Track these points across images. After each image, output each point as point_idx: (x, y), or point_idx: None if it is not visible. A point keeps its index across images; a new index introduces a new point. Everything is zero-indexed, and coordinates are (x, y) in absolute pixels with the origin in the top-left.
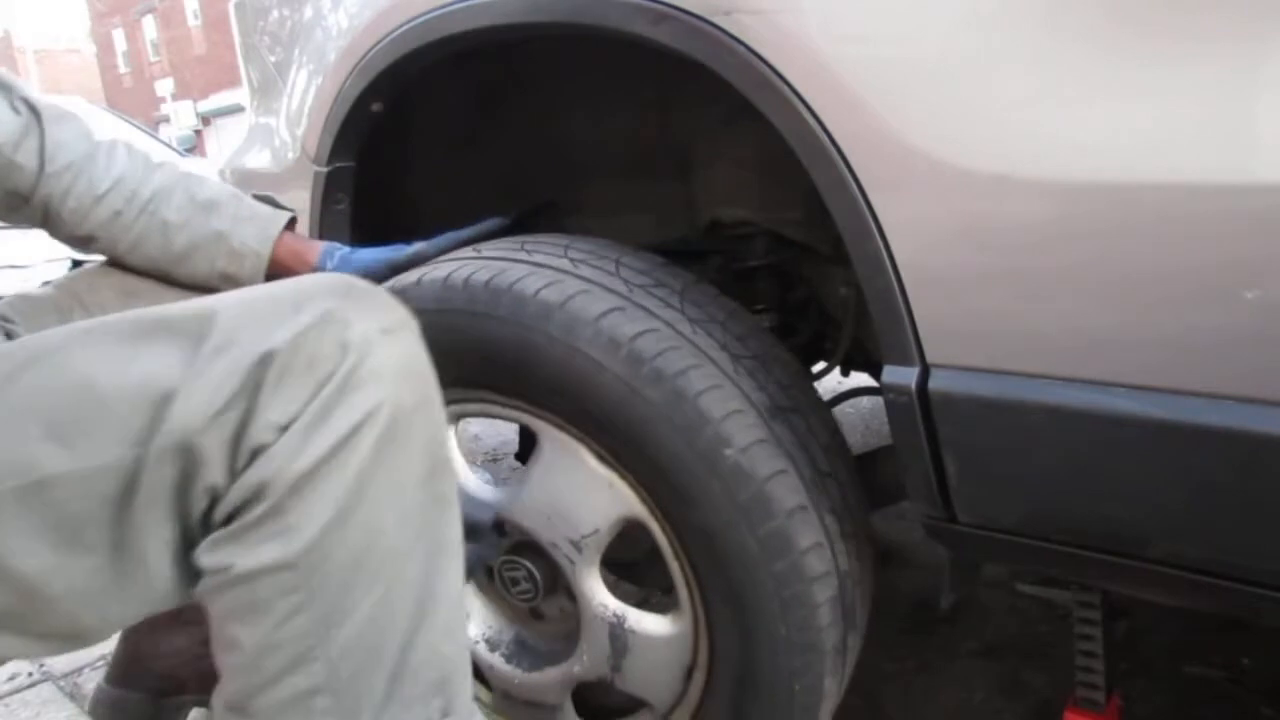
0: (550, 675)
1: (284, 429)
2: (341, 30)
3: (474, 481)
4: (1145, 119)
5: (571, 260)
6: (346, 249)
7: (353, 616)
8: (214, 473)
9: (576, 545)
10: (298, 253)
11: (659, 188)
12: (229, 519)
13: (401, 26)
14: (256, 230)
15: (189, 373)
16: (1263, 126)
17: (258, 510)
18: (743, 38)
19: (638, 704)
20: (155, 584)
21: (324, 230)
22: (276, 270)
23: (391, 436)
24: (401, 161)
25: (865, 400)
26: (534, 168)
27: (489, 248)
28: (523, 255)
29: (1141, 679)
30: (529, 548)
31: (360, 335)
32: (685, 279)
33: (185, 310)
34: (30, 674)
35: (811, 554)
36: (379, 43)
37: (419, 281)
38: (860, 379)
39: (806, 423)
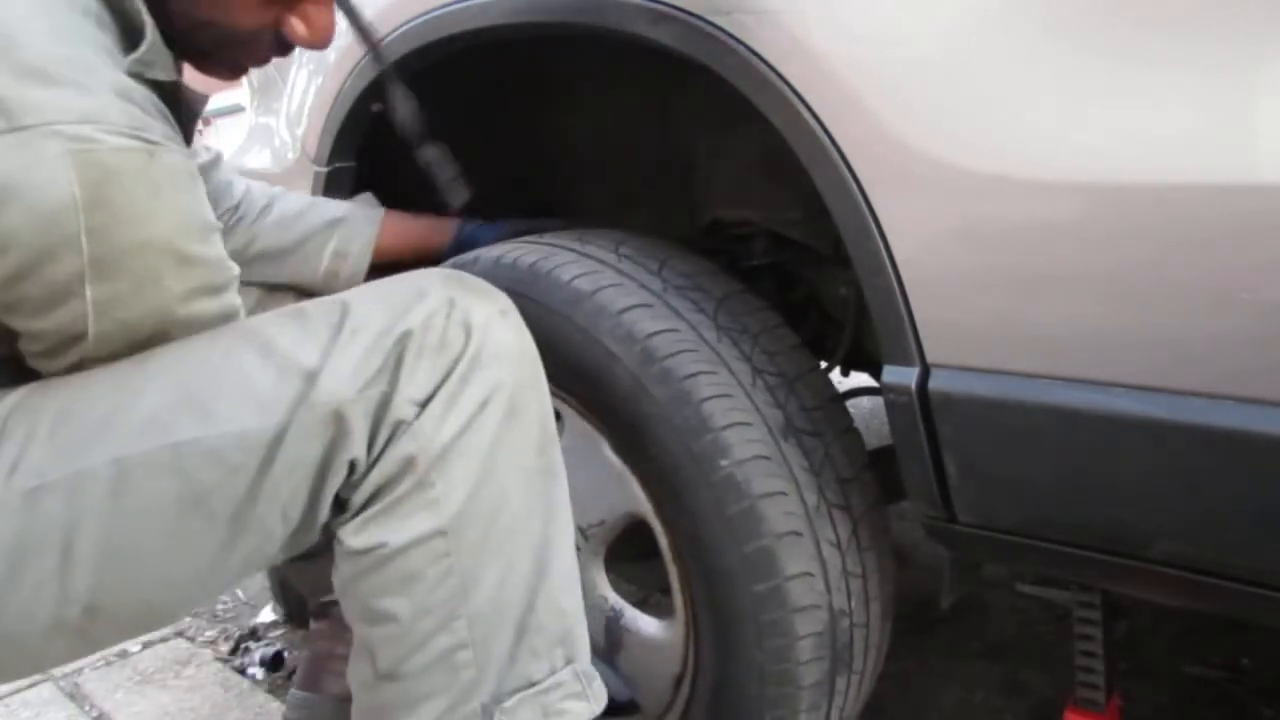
0: None
1: (423, 405)
2: (341, 30)
3: None
4: (1145, 119)
5: (619, 255)
6: (478, 224)
7: (488, 574)
8: (357, 445)
9: (583, 533)
10: (417, 232)
11: (659, 188)
12: (371, 499)
13: (402, 26)
14: (363, 214)
15: (332, 351)
16: (1263, 127)
17: (405, 485)
18: (743, 38)
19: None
20: (261, 552)
21: None
22: (387, 257)
23: (513, 411)
24: (401, 161)
25: (865, 400)
26: (535, 167)
27: (552, 234)
28: (575, 244)
29: (1141, 679)
30: None
31: (482, 318)
32: (729, 288)
33: (319, 302)
34: None
35: (797, 582)
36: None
37: (477, 260)
38: (860, 379)
39: (825, 450)
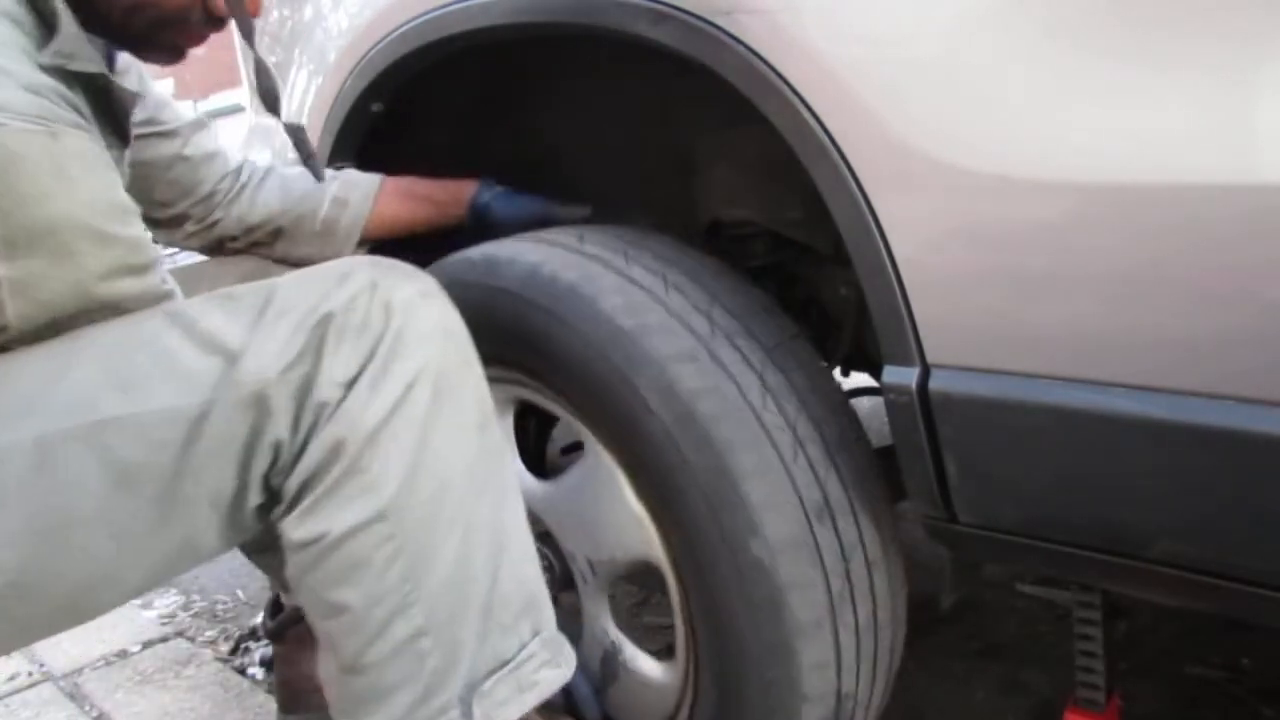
0: None
1: (348, 385)
2: (341, 30)
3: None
4: (1146, 119)
5: (665, 283)
6: (503, 189)
7: (440, 559)
8: (281, 426)
9: (592, 566)
10: (424, 191)
11: (659, 188)
12: (303, 488)
13: (402, 27)
14: (363, 177)
15: (255, 331)
16: (1263, 127)
17: (336, 471)
18: (743, 38)
19: None
20: (196, 540)
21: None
22: (396, 221)
23: (442, 391)
24: (401, 161)
25: (865, 400)
26: (534, 167)
27: (593, 241)
28: (620, 263)
29: (1141, 679)
30: (552, 538)
31: (403, 299)
32: (781, 334)
33: (248, 285)
34: (30, 674)
35: (812, 672)
36: (379, 43)
37: (512, 263)
38: (860, 379)
39: (858, 529)
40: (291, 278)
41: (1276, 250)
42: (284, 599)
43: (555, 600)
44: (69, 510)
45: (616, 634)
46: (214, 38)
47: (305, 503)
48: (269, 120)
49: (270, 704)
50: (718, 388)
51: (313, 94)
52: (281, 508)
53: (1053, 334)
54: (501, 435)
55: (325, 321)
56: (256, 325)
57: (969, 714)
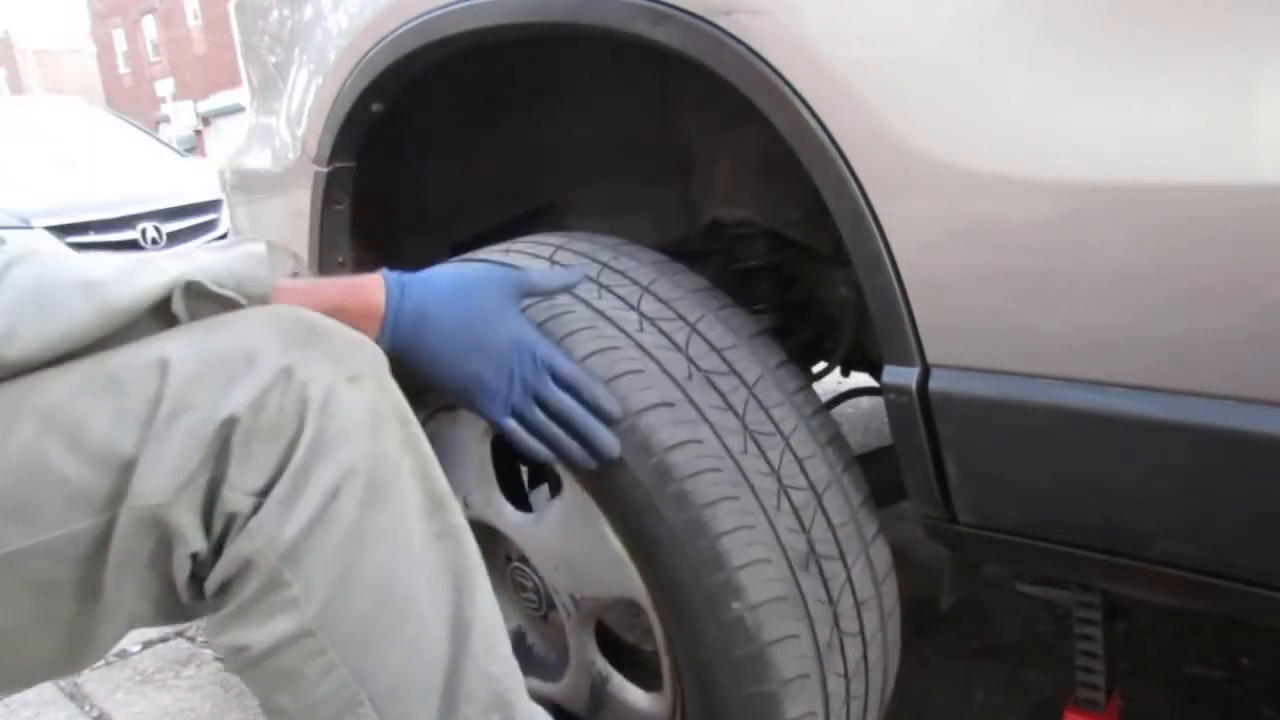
0: (534, 685)
1: (260, 494)
2: (342, 30)
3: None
4: (1146, 119)
5: (641, 316)
6: (416, 276)
7: (388, 662)
8: (192, 541)
9: (575, 601)
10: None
11: (659, 188)
12: (220, 593)
13: (402, 26)
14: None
15: (147, 439)
16: (1263, 127)
17: (251, 585)
18: (743, 38)
19: None
20: (144, 617)
21: (324, 230)
22: None
23: (377, 488)
24: (401, 161)
25: (865, 400)
26: (534, 167)
27: (573, 264)
28: (593, 296)
29: (1141, 679)
30: (534, 566)
31: (323, 391)
32: (765, 365)
33: (134, 365)
34: None
35: None
36: (379, 42)
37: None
38: (860, 379)
39: (847, 572)
40: (188, 354)
41: (1276, 250)
42: None
43: (545, 618)
44: (5, 623)
45: (603, 664)
46: (214, 38)
47: (225, 611)
48: (269, 120)
49: None
50: (697, 440)
51: (313, 94)
52: (204, 605)
53: (1053, 334)
54: (459, 516)
55: (228, 427)
56: (148, 429)
57: (969, 714)
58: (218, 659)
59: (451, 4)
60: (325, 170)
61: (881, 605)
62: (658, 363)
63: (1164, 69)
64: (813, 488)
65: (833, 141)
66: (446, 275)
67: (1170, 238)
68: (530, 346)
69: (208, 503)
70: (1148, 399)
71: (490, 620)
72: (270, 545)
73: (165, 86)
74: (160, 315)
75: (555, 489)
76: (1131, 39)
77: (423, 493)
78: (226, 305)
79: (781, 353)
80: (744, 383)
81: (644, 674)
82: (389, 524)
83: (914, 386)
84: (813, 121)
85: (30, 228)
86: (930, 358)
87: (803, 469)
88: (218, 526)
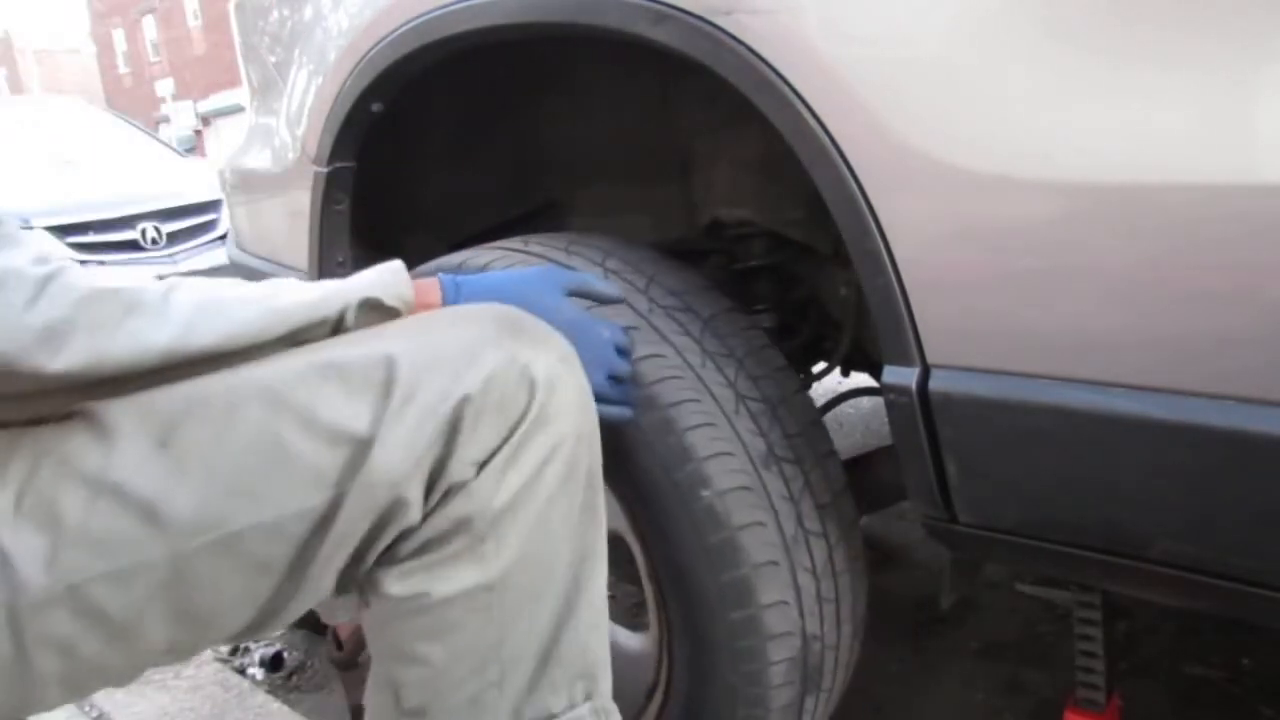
0: None
1: (481, 465)
2: (342, 30)
3: None
4: (1146, 119)
5: (605, 270)
6: (469, 277)
7: (523, 621)
8: (413, 514)
9: None
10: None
11: (659, 188)
12: (418, 551)
13: (402, 26)
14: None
15: (383, 420)
16: (1263, 127)
17: (457, 544)
18: (743, 38)
19: None
20: (310, 598)
21: (324, 230)
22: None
23: (572, 464)
24: (401, 161)
25: (865, 400)
26: (534, 167)
27: (537, 244)
28: (561, 256)
29: (1141, 679)
30: None
31: (545, 373)
32: (716, 307)
33: (361, 357)
34: None
35: (773, 611)
36: (379, 43)
37: (460, 266)
38: (860, 379)
39: (805, 477)
40: (412, 345)
41: (1276, 250)
42: (324, 618)
43: None
44: (212, 604)
45: None
46: (214, 37)
47: (414, 563)
48: (269, 120)
49: (271, 704)
50: (660, 354)
51: (313, 94)
52: (387, 564)
53: (1053, 334)
54: (602, 499)
55: (461, 405)
56: (383, 409)
57: (969, 714)
58: (218, 659)
59: (451, 4)
60: (325, 170)
61: (840, 515)
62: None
63: (1164, 69)
64: (768, 400)
65: (833, 141)
66: (497, 274)
67: (1170, 238)
68: (589, 328)
69: (434, 475)
70: (1148, 399)
71: (599, 597)
72: (484, 508)
73: (165, 86)
74: (329, 327)
75: None
76: (1131, 39)
77: (590, 478)
78: (391, 316)
79: (726, 303)
80: (700, 317)
81: (630, 619)
82: (570, 501)
83: (914, 386)
84: (813, 121)
85: (30, 227)
86: (930, 358)
87: (757, 385)
88: (436, 497)
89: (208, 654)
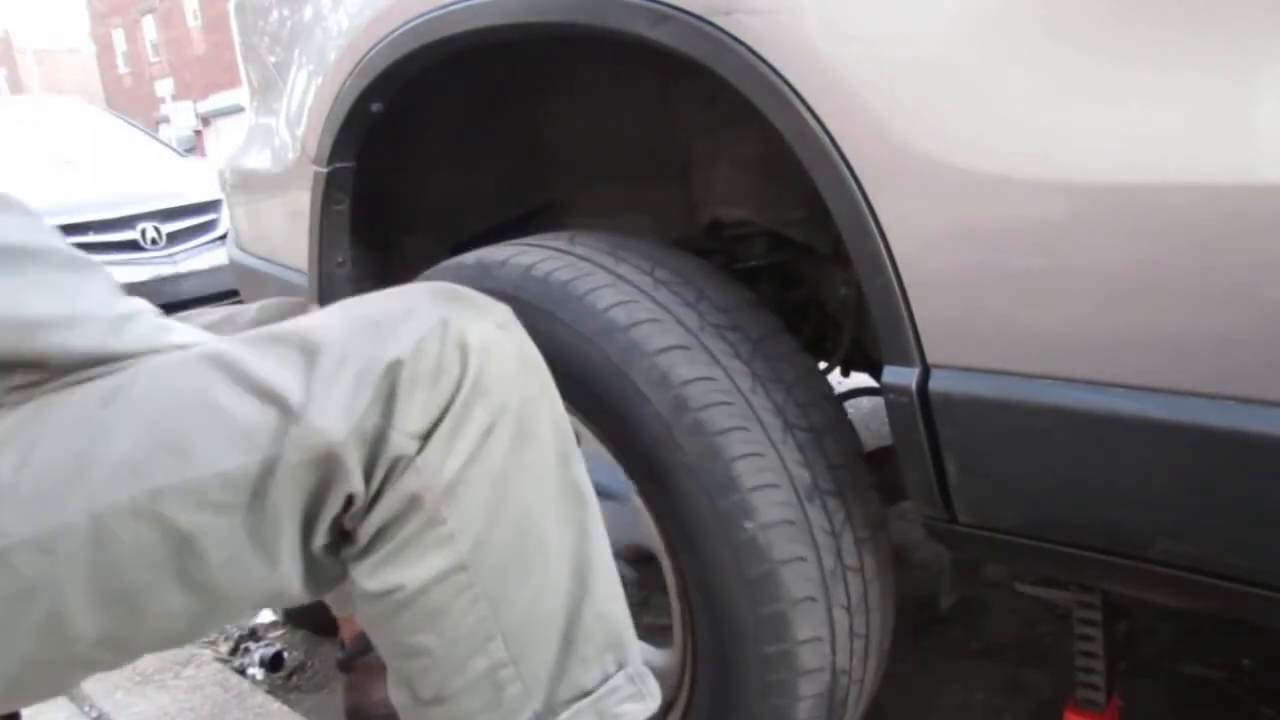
0: None
1: (424, 437)
2: (342, 30)
3: None
4: (1146, 119)
5: (655, 280)
6: None
7: (520, 596)
8: (353, 481)
9: None
10: None
11: (659, 188)
12: (376, 537)
13: (402, 26)
14: None
15: (315, 382)
16: (1263, 127)
17: (413, 524)
18: (743, 38)
19: None
20: (271, 594)
21: (324, 230)
22: None
23: (522, 432)
24: (401, 161)
25: (865, 400)
26: (534, 167)
27: (582, 244)
28: (609, 262)
29: (1141, 679)
30: None
31: (479, 338)
32: (766, 327)
33: (292, 325)
34: None
35: (808, 646)
36: (379, 43)
37: (504, 264)
38: (860, 379)
39: (847, 511)
40: (344, 315)
41: (1276, 250)
42: (335, 610)
43: None
44: (137, 581)
45: None
46: (214, 37)
47: (379, 553)
48: (269, 120)
49: (271, 704)
50: (710, 377)
51: (312, 94)
52: (354, 550)
53: (1053, 334)
54: (583, 471)
55: (394, 370)
56: (312, 374)
57: (969, 714)
58: (218, 659)
59: (451, 4)
60: (325, 170)
61: (878, 550)
62: (672, 316)
63: (1164, 69)
64: (814, 430)
65: (833, 141)
66: None
67: (1170, 238)
68: None
69: (374, 446)
70: (1147, 399)
71: (609, 564)
72: (434, 482)
73: (165, 87)
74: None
75: None
76: (1131, 39)
77: (557, 439)
78: None
79: (777, 323)
80: (749, 338)
81: (651, 634)
82: (531, 464)
83: (914, 387)
84: (813, 121)
85: None
86: (930, 358)
87: (805, 413)
88: (380, 472)
89: (208, 654)
